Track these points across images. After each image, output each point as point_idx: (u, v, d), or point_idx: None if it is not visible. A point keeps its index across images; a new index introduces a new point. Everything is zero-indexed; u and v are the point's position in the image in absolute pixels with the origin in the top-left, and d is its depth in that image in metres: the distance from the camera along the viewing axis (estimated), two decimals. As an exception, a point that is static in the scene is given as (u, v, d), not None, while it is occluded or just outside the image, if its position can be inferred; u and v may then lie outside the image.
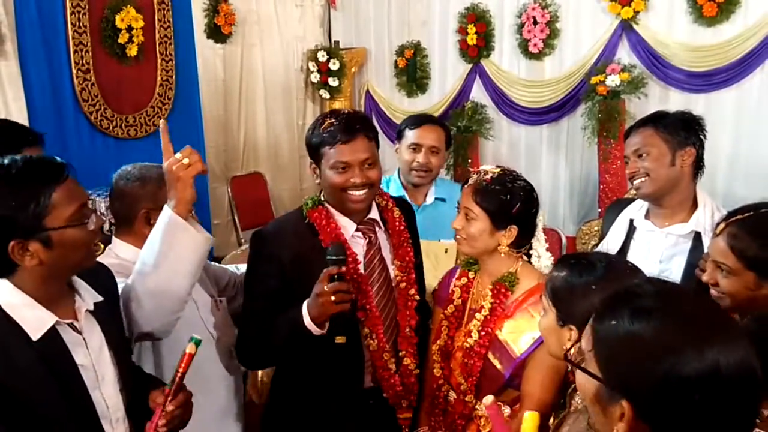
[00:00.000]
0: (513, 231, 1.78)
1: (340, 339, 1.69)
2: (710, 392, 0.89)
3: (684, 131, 2.05)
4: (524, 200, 1.78)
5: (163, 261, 1.59)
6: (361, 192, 1.83)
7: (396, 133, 2.84)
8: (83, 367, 1.41)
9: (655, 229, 2.09)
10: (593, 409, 1.01)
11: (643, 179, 2.06)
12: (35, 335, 1.33)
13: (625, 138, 2.18)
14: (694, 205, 2.06)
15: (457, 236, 1.85)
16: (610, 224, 2.24)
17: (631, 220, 2.17)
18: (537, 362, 1.67)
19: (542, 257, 1.93)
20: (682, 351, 0.90)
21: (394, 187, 2.78)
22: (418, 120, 2.79)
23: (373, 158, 1.84)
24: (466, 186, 1.85)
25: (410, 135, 2.71)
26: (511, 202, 1.77)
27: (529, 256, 1.93)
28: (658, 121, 2.08)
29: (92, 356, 1.43)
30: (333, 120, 1.84)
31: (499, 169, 1.84)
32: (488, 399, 1.22)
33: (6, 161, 1.34)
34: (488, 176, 1.80)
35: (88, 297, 1.47)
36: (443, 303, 1.94)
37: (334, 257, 1.72)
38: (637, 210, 2.17)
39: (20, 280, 1.35)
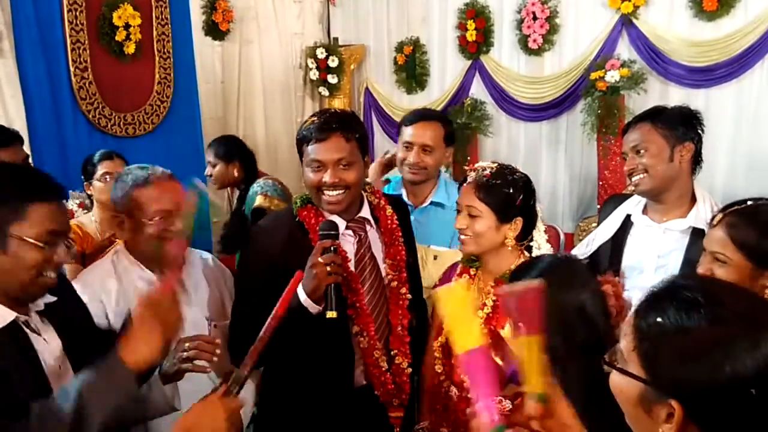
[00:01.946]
0: (518, 223, 1.82)
1: (331, 314, 1.69)
2: (765, 387, 0.84)
3: (682, 126, 2.04)
4: (526, 191, 1.83)
5: None
6: (335, 193, 1.82)
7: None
8: (44, 362, 1.39)
9: (652, 224, 2.08)
10: (633, 411, 0.97)
11: (641, 176, 2.04)
12: None
13: (623, 134, 2.17)
14: (692, 200, 2.05)
15: (462, 236, 1.85)
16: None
17: (629, 216, 2.15)
18: None
19: (542, 248, 1.94)
20: (736, 345, 0.86)
21: (396, 186, 2.75)
22: (414, 116, 2.71)
23: (349, 159, 1.81)
24: (465, 185, 1.86)
25: (404, 132, 2.65)
26: (514, 195, 1.81)
27: (530, 249, 1.94)
28: (656, 116, 2.07)
29: (50, 356, 1.42)
30: (315, 118, 1.85)
31: (495, 165, 1.85)
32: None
33: (8, 163, 1.39)
34: (487, 171, 1.82)
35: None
36: None
37: (326, 232, 1.74)
38: (634, 205, 2.16)
39: None
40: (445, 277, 2.00)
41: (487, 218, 1.80)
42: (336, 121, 1.82)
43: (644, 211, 2.12)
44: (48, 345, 1.43)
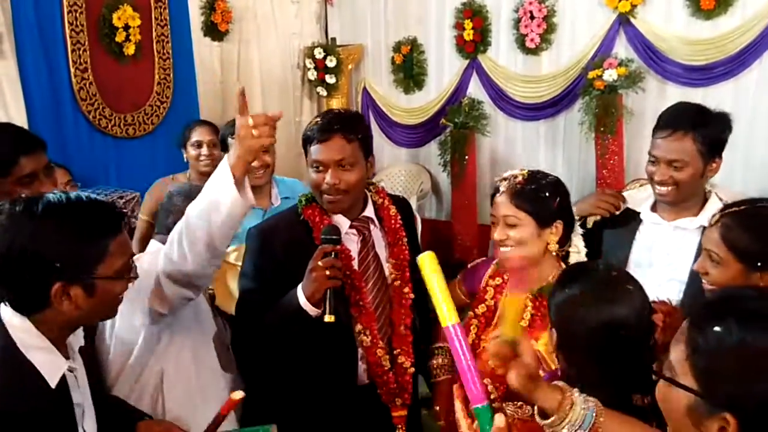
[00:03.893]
0: (559, 226, 1.80)
1: (329, 318, 1.69)
2: None
3: (720, 142, 1.97)
4: (561, 193, 1.83)
5: (204, 207, 1.61)
6: (334, 197, 1.83)
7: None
8: (76, 405, 1.38)
9: (662, 222, 2.04)
10: (679, 421, 0.93)
11: (670, 188, 1.97)
12: (53, 381, 1.29)
13: (655, 131, 2.03)
14: (704, 200, 2.04)
15: (502, 247, 1.81)
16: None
17: (638, 213, 2.14)
18: None
19: (581, 252, 1.92)
20: None
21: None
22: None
23: (350, 160, 1.81)
24: (498, 195, 1.82)
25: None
26: (550, 198, 1.80)
27: (567, 254, 1.91)
28: (700, 128, 1.94)
29: (81, 393, 1.42)
30: (318, 119, 1.87)
31: (525, 171, 1.85)
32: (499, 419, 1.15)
33: (71, 198, 1.29)
34: (519, 179, 1.81)
35: (78, 332, 1.45)
36: (471, 297, 1.95)
37: (328, 236, 1.75)
38: (643, 201, 2.15)
39: (43, 321, 1.30)
40: (478, 273, 1.96)
41: (528, 225, 1.77)
42: (338, 122, 1.83)
43: (653, 208, 2.11)
44: (78, 381, 1.41)
